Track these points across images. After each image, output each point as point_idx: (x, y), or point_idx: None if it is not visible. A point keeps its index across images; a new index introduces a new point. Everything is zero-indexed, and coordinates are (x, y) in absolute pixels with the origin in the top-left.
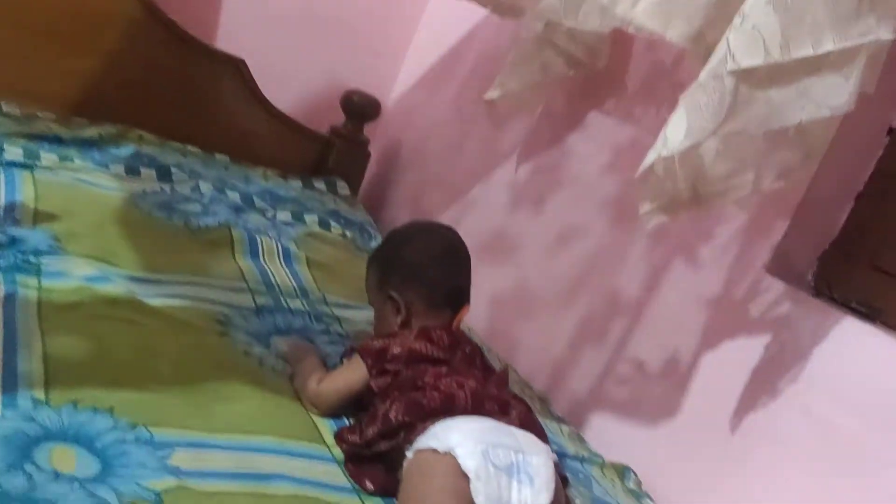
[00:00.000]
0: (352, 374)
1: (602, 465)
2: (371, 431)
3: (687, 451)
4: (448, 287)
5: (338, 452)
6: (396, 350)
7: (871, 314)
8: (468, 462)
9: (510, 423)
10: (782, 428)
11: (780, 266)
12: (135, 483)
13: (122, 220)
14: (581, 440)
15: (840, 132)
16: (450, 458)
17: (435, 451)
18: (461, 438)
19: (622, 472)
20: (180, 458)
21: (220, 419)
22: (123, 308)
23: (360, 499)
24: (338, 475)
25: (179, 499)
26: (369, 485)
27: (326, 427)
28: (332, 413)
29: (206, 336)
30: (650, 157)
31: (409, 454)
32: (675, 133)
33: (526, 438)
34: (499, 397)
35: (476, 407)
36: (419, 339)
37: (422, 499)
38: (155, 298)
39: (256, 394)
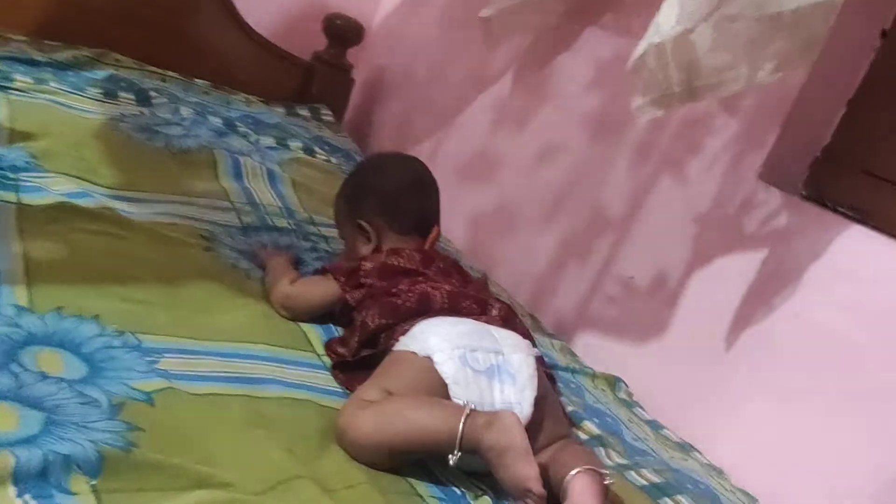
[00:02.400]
0: (325, 288)
1: (593, 375)
2: (354, 342)
3: (678, 365)
4: (417, 214)
5: (328, 360)
6: (368, 266)
7: (862, 218)
8: (445, 367)
9: (490, 321)
10: (774, 335)
11: (773, 175)
12: (123, 384)
13: (101, 140)
14: (572, 353)
15: (832, 35)
16: (429, 361)
17: (415, 353)
18: (438, 343)
19: (613, 382)
20: (169, 363)
21: (208, 328)
22: (103, 221)
23: None
24: (329, 380)
25: (170, 399)
26: None
27: (317, 336)
28: (304, 319)
29: (190, 249)
30: (642, 46)
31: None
32: (667, 19)
33: (505, 337)
34: (477, 297)
35: (453, 306)
36: (391, 256)
37: (396, 376)
38: (136, 214)
39: (245, 304)
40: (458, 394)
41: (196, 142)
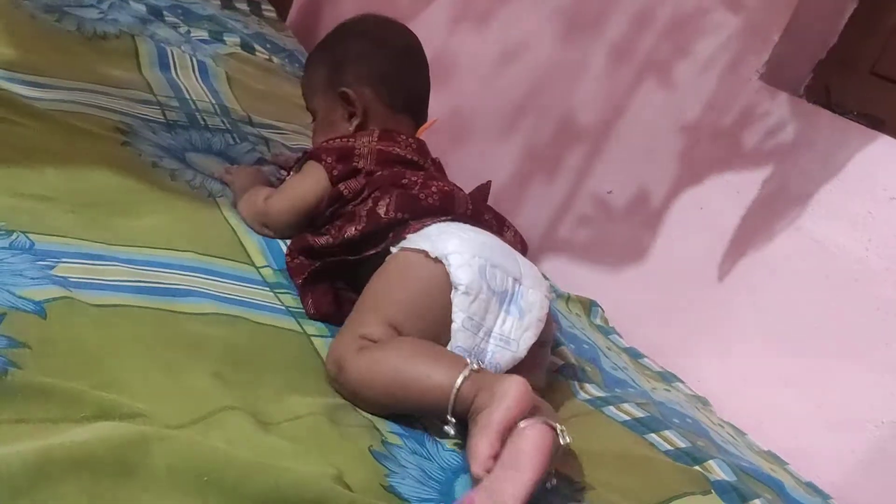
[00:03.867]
0: (306, 180)
1: (567, 298)
2: (353, 230)
3: (660, 293)
4: (411, 89)
5: (268, 275)
6: (363, 147)
7: (872, 124)
8: (461, 273)
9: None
10: (777, 260)
11: (775, 78)
12: (7, 291)
13: None
14: (542, 275)
15: None
16: (440, 266)
17: (426, 254)
18: (459, 246)
19: (588, 306)
20: (68, 269)
21: (120, 231)
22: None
23: (298, 322)
24: (269, 297)
25: (67, 310)
26: (311, 307)
27: (256, 247)
28: (289, 233)
29: (103, 142)
30: None
31: (394, 250)
32: None
33: (527, 268)
34: (495, 212)
35: (476, 215)
36: (383, 141)
37: (393, 292)
38: (37, 99)
39: (168, 207)
40: (464, 305)
41: (115, 27)
